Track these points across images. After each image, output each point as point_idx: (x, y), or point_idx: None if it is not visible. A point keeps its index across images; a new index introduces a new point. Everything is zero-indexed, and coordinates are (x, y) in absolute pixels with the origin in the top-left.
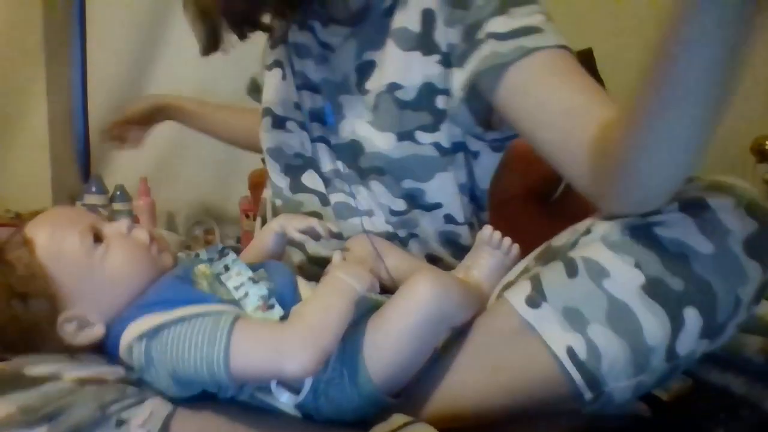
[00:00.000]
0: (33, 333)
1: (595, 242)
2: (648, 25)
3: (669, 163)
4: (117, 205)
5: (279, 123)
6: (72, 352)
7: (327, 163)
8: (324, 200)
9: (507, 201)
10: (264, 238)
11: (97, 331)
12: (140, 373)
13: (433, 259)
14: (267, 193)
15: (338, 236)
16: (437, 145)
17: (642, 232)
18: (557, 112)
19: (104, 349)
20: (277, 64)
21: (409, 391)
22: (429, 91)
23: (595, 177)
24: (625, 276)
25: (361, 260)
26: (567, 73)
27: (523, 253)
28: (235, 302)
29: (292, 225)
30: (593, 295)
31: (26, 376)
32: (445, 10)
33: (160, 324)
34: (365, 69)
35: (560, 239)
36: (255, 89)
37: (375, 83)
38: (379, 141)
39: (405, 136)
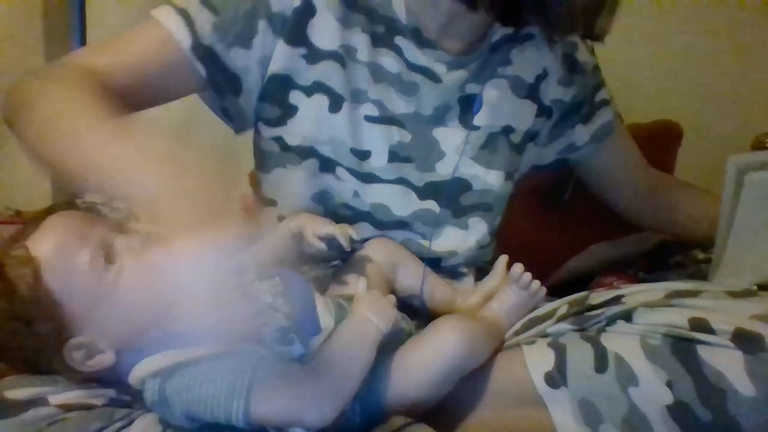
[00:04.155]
0: (37, 357)
1: (633, 339)
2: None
3: None
4: (117, 202)
5: (327, 167)
6: (79, 377)
7: (405, 206)
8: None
9: (514, 197)
10: (280, 236)
11: (107, 359)
12: (151, 408)
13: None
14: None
15: (359, 243)
16: (514, 185)
17: (684, 348)
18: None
19: (112, 373)
20: (321, 88)
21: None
22: (529, 137)
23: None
24: (653, 391)
25: (379, 271)
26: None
27: (531, 261)
28: None
29: (312, 229)
30: (615, 398)
31: (8, 401)
32: (560, 72)
33: (178, 363)
34: (469, 103)
35: (599, 297)
36: (207, 53)
37: (484, 120)
38: (489, 178)
39: (509, 176)
